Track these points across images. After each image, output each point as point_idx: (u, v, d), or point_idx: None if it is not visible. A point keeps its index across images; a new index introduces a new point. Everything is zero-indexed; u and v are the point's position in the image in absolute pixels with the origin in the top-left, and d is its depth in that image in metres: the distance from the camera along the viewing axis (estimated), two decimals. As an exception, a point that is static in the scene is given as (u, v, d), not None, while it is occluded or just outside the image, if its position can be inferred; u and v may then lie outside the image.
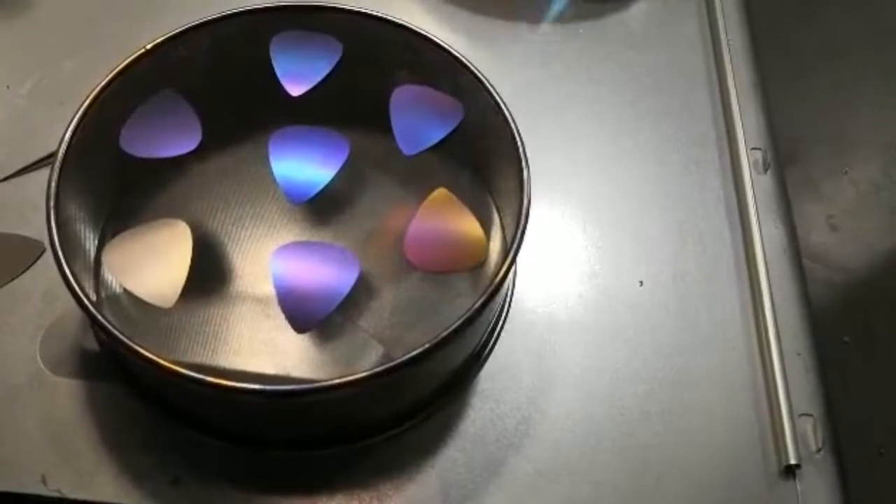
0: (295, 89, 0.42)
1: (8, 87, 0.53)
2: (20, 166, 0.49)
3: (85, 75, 0.53)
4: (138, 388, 0.40)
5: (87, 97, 0.40)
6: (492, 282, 0.37)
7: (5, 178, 0.48)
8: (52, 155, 0.48)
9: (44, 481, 0.39)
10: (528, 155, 0.40)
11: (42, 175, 0.49)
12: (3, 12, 0.57)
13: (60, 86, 0.53)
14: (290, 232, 0.44)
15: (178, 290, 0.36)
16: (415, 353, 0.35)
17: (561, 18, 0.42)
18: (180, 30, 0.43)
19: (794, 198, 0.55)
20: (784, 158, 0.57)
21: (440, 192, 0.41)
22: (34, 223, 0.46)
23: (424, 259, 0.39)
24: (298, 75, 0.43)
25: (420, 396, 0.41)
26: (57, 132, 0.50)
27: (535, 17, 0.61)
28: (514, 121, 0.41)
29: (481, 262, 0.40)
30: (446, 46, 0.43)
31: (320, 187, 0.40)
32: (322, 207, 0.44)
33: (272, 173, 0.41)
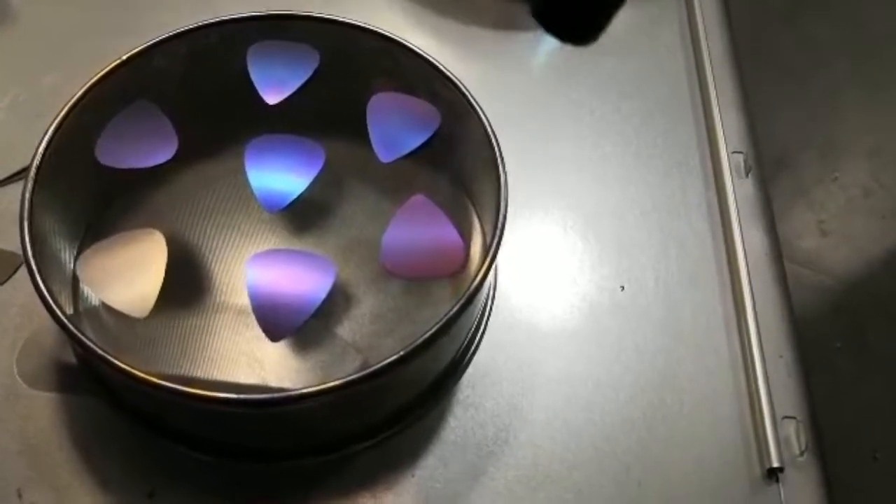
0: (272, 98, 0.42)
1: (-13, 101, 0.53)
2: (-2, 180, 0.49)
3: (63, 90, 0.52)
4: (116, 401, 0.40)
5: (63, 108, 0.40)
6: (469, 286, 0.37)
7: (-18, 192, 0.48)
8: (28, 168, 0.48)
9: (19, 495, 0.38)
10: (509, 160, 0.40)
11: (17, 188, 0.48)
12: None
13: (39, 100, 0.53)
14: (269, 241, 0.44)
15: (153, 300, 0.36)
16: (391, 359, 0.35)
17: (549, 61, 0.41)
18: (157, 40, 0.43)
19: (784, 203, 0.55)
20: (774, 165, 0.58)
21: (417, 199, 0.41)
22: (12, 236, 0.46)
23: (401, 266, 0.39)
24: (275, 84, 0.43)
25: (400, 404, 0.41)
26: (35, 146, 0.50)
27: (516, 24, 0.61)
28: (490, 125, 0.41)
29: (459, 268, 0.40)
30: (423, 53, 0.43)
31: (296, 196, 0.40)
32: (300, 216, 0.44)
33: (248, 182, 0.41)
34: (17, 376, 0.42)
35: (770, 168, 0.57)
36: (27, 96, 0.53)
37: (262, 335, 0.40)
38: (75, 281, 0.42)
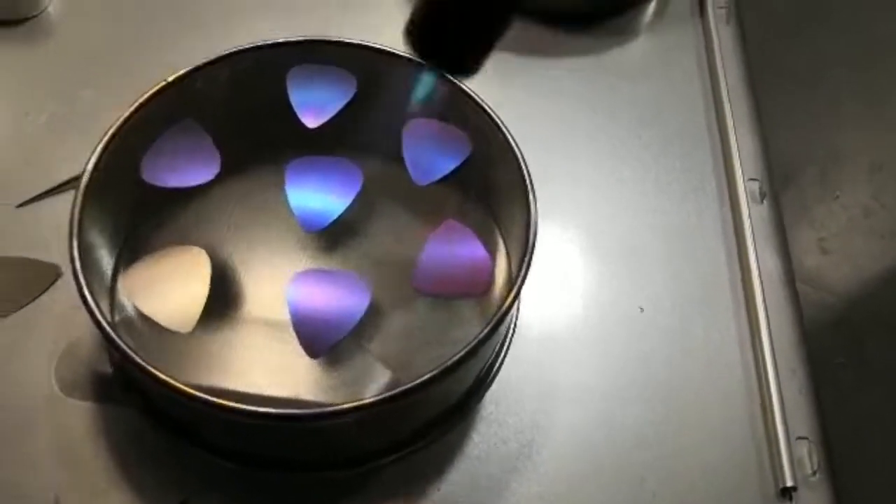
0: (311, 121, 0.44)
1: (27, 114, 0.54)
2: (37, 193, 0.50)
3: (100, 106, 0.55)
4: (151, 411, 0.41)
5: (112, 126, 0.41)
6: (497, 312, 0.38)
7: (23, 203, 0.49)
8: (74, 179, 0.49)
9: (56, 502, 0.39)
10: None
11: (57, 201, 0.50)
12: (23, 42, 0.58)
13: (76, 116, 0.54)
14: (302, 258, 0.45)
15: (196, 315, 0.37)
16: (421, 379, 0.36)
17: (426, 101, 0.43)
18: (201, 63, 0.44)
19: (786, 222, 0.56)
20: (778, 182, 0.59)
21: (449, 223, 0.42)
22: (49, 248, 0.47)
23: (433, 286, 0.41)
24: (314, 108, 0.44)
25: (427, 420, 0.42)
26: (73, 161, 0.51)
27: (540, 51, 0.63)
28: (521, 153, 0.42)
29: (488, 290, 0.41)
30: (455, 80, 0.44)
31: (335, 216, 0.42)
32: (333, 235, 0.45)
33: (287, 202, 0.42)
34: (54, 385, 0.43)
35: (775, 185, 0.59)
36: (66, 111, 0.54)
37: (295, 350, 0.41)
38: (112, 292, 0.43)
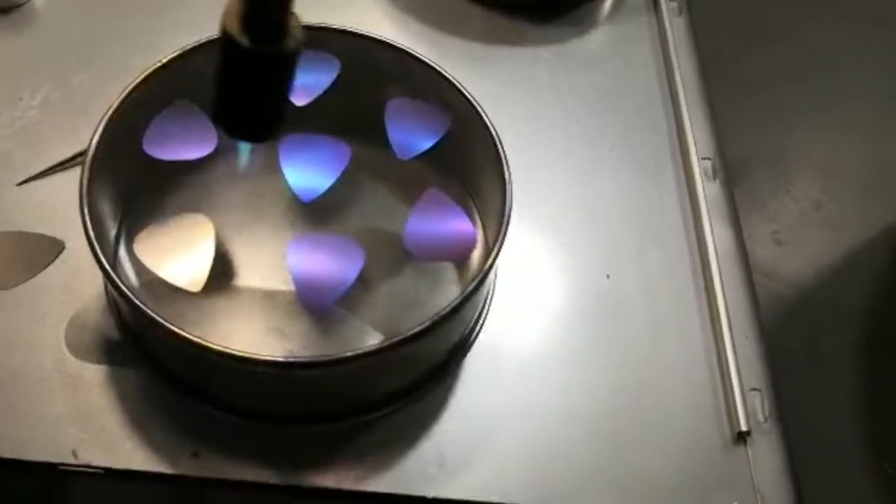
0: (299, 100, 0.47)
1: (21, 98, 0.56)
2: (35, 172, 0.52)
3: (90, 90, 0.57)
4: (158, 370, 0.44)
5: (113, 104, 0.44)
6: (478, 275, 0.41)
7: (24, 182, 0.52)
8: (72, 158, 0.52)
9: (74, 455, 0.42)
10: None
11: (56, 179, 0.52)
12: (12, 30, 0.60)
13: (69, 98, 0.56)
14: (293, 228, 0.49)
15: (205, 276, 0.40)
16: (410, 332, 0.39)
17: (250, 164, 0.49)
18: (192, 46, 0.47)
19: (741, 214, 0.61)
20: (732, 177, 0.63)
21: (431, 192, 0.46)
22: (51, 223, 0.50)
23: (421, 250, 0.44)
24: (302, 88, 0.47)
25: (415, 376, 0.46)
26: (67, 141, 0.54)
27: (504, 40, 0.67)
28: (495, 130, 0.46)
29: (471, 252, 0.45)
30: (433, 63, 0.48)
31: (326, 188, 0.45)
32: (321, 207, 0.49)
33: (283, 175, 0.45)
34: (66, 350, 0.45)
35: (727, 166, 0.63)
36: (59, 94, 0.57)
37: (289, 314, 0.45)
38: (115, 260, 0.46)
